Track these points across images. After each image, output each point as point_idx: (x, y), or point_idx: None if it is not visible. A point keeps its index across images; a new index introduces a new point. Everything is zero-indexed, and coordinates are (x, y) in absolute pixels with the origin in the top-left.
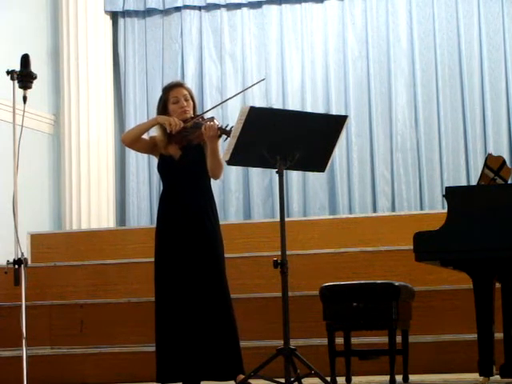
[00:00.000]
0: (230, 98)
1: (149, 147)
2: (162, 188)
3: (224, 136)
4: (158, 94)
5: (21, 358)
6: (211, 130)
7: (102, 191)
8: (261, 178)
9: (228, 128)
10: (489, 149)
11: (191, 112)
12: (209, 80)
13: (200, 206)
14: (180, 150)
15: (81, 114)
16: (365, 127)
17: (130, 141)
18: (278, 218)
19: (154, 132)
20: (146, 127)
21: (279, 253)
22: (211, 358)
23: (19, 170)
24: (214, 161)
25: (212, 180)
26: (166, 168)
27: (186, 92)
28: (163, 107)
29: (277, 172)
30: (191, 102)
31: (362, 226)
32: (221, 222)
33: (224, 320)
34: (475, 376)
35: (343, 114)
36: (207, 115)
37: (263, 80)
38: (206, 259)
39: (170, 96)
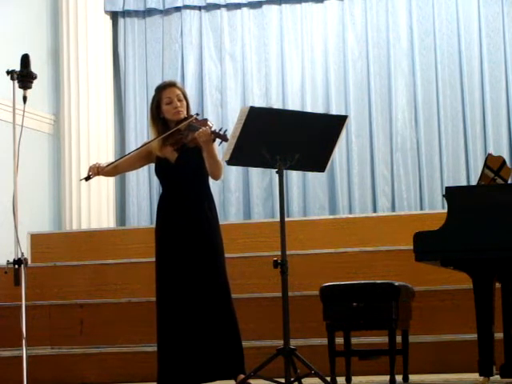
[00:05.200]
0: (181, 125)
1: (142, 160)
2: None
3: (218, 140)
4: None
5: (21, 358)
6: (204, 135)
7: (102, 191)
8: (261, 177)
9: (222, 132)
10: (489, 149)
11: (185, 112)
12: (209, 80)
13: (198, 208)
14: (176, 152)
15: (81, 114)
16: (365, 127)
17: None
18: (278, 218)
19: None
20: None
21: (279, 253)
22: (213, 357)
23: (19, 169)
24: (211, 163)
25: (212, 180)
26: (163, 171)
27: (179, 92)
28: (156, 107)
29: (277, 172)
30: (184, 102)
31: (362, 225)
32: (221, 222)
33: (225, 319)
34: (475, 376)
35: (343, 114)
36: (201, 116)
37: (197, 115)
38: (205, 261)
39: (163, 96)
